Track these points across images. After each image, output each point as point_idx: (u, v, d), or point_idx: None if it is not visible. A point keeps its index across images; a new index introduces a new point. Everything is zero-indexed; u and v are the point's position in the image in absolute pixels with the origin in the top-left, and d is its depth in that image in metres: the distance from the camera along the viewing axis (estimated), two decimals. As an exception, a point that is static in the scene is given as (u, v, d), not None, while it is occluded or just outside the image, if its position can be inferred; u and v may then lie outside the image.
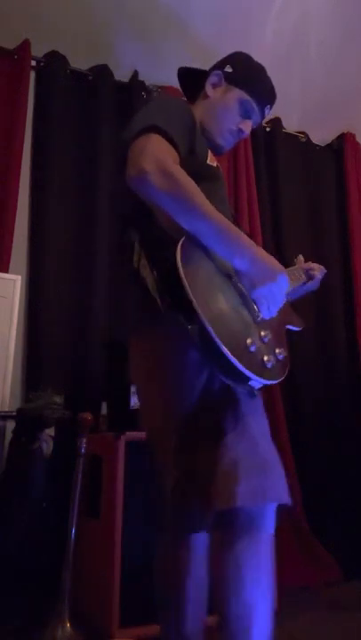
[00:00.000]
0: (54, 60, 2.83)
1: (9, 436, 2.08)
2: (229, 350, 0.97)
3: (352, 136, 3.63)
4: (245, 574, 1.02)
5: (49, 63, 2.82)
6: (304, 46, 2.99)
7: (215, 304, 1.03)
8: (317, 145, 3.61)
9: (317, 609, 2.25)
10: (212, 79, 1.36)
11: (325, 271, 1.59)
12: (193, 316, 0.97)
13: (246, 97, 1.33)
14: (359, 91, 3.25)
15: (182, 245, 1.03)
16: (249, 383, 1.03)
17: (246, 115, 1.35)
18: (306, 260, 1.58)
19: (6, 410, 2.13)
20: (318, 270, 1.56)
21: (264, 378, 1.03)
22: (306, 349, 3.12)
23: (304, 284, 1.53)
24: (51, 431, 2.04)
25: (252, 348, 1.03)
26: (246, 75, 1.36)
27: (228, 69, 1.36)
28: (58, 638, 1.76)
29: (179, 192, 1.05)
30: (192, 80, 1.42)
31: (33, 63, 2.78)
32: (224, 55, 1.42)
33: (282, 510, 1.11)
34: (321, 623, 2.06)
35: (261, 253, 1.11)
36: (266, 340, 1.09)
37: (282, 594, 2.13)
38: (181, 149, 1.13)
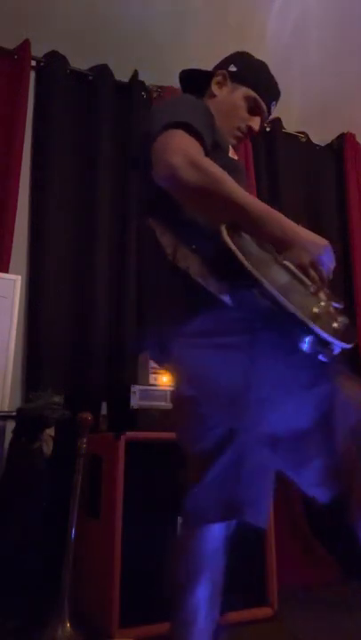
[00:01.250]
0: (54, 60, 2.83)
1: (9, 436, 2.08)
2: (305, 316, 0.94)
3: (352, 136, 3.63)
4: None
5: (49, 63, 2.82)
6: (304, 47, 2.99)
7: (272, 277, 0.99)
8: (317, 145, 3.61)
9: (317, 609, 2.25)
10: (218, 79, 1.37)
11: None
12: (258, 288, 0.95)
13: (252, 93, 1.34)
14: (359, 91, 3.25)
15: (226, 227, 1.01)
16: (329, 347, 0.99)
17: (254, 111, 1.35)
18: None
19: (6, 410, 2.13)
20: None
21: (343, 341, 0.99)
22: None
23: None
24: (51, 431, 2.04)
25: (321, 314, 1.00)
26: (250, 72, 1.37)
27: (232, 68, 1.36)
28: (58, 638, 1.76)
29: (212, 182, 1.03)
30: (193, 81, 1.42)
31: (33, 63, 2.78)
32: (224, 56, 1.43)
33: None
34: (321, 623, 2.06)
35: (304, 229, 1.10)
36: (328, 308, 1.06)
37: (282, 594, 2.14)
38: (207, 143, 1.12)
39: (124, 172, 2.82)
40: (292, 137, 3.49)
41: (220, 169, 1.06)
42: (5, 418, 2.13)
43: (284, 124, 3.43)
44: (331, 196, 3.54)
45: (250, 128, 1.35)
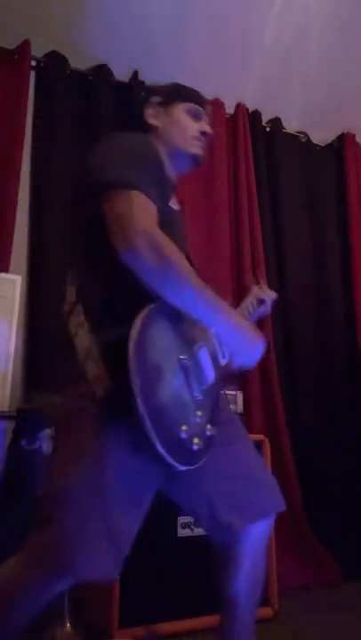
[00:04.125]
0: (54, 60, 2.83)
1: (9, 436, 2.08)
2: (162, 446, 0.98)
3: (352, 136, 3.63)
4: None
5: (49, 63, 2.82)
6: (304, 46, 2.99)
7: (160, 390, 1.01)
8: (317, 145, 3.61)
9: (317, 609, 2.25)
10: (149, 112, 1.38)
11: (275, 296, 1.67)
12: (132, 406, 0.95)
13: (188, 104, 1.37)
14: (359, 91, 3.25)
15: (145, 318, 1.01)
16: (172, 468, 1.03)
17: (197, 117, 1.38)
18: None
19: (6, 410, 2.13)
20: (269, 296, 1.63)
21: (186, 463, 1.04)
22: (306, 350, 3.12)
23: (256, 310, 1.60)
24: (51, 431, 2.04)
25: (184, 435, 1.04)
26: (173, 91, 1.40)
27: (156, 99, 1.39)
28: (58, 638, 1.76)
29: (171, 271, 1.04)
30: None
31: (33, 63, 2.78)
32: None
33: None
34: (321, 623, 2.06)
35: (243, 324, 1.16)
36: (198, 420, 1.11)
37: (282, 594, 2.14)
38: (158, 202, 1.12)
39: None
40: (292, 137, 3.49)
41: (180, 255, 1.06)
42: (5, 418, 2.13)
43: (284, 124, 3.43)
44: (331, 196, 3.54)
45: (203, 132, 1.37)
